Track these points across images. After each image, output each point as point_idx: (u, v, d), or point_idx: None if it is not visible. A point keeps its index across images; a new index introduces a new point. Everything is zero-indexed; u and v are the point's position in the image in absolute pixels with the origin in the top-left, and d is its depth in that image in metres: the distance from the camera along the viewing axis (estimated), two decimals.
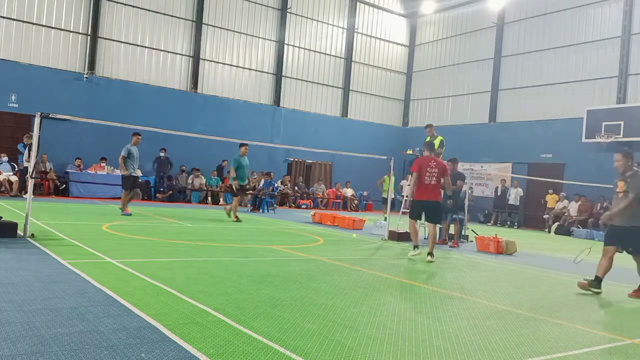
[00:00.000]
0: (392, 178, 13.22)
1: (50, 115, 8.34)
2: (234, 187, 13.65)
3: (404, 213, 13.32)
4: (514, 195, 21.76)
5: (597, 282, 6.74)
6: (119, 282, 5.13)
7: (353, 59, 26.79)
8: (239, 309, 4.49)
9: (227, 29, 23.00)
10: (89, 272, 5.45)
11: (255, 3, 23.68)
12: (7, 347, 3.16)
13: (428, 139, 12.00)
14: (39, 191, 16.71)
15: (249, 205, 19.70)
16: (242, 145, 13.57)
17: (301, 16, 25.06)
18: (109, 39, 20.26)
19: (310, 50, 25.48)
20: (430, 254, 8.64)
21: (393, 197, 13.27)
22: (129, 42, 20.68)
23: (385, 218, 13.00)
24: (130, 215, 12.45)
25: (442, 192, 9.60)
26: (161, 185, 19.44)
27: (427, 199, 8.91)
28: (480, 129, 24.73)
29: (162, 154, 19.83)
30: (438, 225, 10.46)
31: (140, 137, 13.21)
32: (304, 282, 5.95)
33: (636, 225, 6.61)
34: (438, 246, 10.61)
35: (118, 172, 19.10)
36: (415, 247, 8.95)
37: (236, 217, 13.51)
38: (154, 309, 4.25)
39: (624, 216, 6.66)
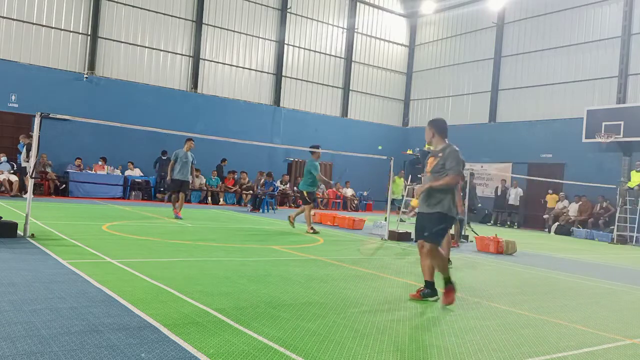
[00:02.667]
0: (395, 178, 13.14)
1: (50, 115, 8.34)
2: (305, 194, 12.25)
3: (404, 213, 13.35)
4: (514, 195, 21.76)
5: (430, 288, 5.65)
6: (119, 282, 5.13)
7: (353, 59, 26.78)
8: (239, 309, 4.49)
9: (227, 29, 22.99)
10: (89, 272, 5.45)
11: (255, 3, 23.68)
12: (7, 347, 3.16)
13: None
14: (39, 191, 16.71)
15: (249, 205, 19.70)
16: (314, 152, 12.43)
17: (301, 16, 25.05)
18: (109, 39, 20.25)
19: (310, 50, 25.47)
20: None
21: (394, 197, 13.22)
22: (129, 42, 20.67)
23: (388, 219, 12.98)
24: (179, 219, 12.27)
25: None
26: (162, 185, 19.44)
27: None
28: (480, 129, 24.72)
29: (164, 157, 19.82)
30: None
31: (192, 142, 13.03)
32: (304, 282, 5.95)
33: (440, 211, 5.49)
34: None
35: (118, 172, 19.17)
36: None
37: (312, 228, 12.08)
38: (154, 309, 4.25)
39: (428, 201, 5.57)
